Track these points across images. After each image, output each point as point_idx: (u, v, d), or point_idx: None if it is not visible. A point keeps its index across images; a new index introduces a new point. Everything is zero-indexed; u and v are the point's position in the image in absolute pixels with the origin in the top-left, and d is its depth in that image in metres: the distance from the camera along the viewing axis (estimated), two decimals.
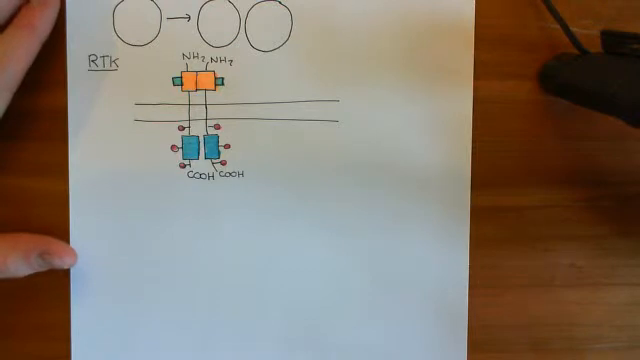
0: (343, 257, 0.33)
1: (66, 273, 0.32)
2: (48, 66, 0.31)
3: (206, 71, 0.32)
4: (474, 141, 0.33)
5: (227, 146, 0.32)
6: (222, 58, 0.32)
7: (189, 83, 0.32)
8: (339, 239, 0.33)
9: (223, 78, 0.32)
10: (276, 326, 0.33)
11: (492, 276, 0.33)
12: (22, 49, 0.29)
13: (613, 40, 0.29)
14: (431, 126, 0.32)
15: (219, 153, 0.32)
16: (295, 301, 0.33)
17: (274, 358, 0.33)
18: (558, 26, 0.31)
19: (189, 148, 0.32)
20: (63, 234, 0.32)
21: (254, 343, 0.33)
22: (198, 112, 0.32)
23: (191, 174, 0.32)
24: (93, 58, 0.31)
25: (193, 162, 0.32)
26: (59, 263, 0.31)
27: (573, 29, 0.31)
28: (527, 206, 0.34)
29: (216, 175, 0.32)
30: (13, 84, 0.29)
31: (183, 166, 0.32)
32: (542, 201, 0.34)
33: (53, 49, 0.31)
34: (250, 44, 0.32)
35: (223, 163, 0.32)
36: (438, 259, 0.33)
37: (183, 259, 0.32)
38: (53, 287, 0.32)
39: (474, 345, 0.33)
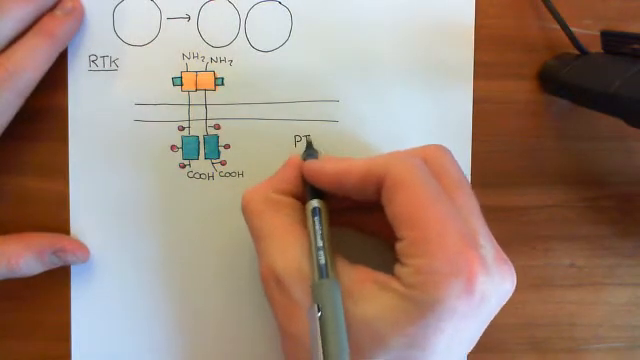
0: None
1: (66, 273, 0.32)
2: None
3: (206, 71, 0.32)
4: (474, 141, 0.33)
5: (227, 146, 0.32)
6: (222, 58, 0.32)
7: (189, 83, 0.32)
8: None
9: (223, 78, 0.32)
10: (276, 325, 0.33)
11: None
12: (40, 57, 0.29)
13: (613, 40, 0.29)
14: (431, 126, 0.32)
15: (219, 153, 0.32)
16: None
17: (274, 358, 0.33)
18: (558, 26, 0.31)
19: (189, 148, 0.32)
20: (63, 234, 0.32)
21: (255, 342, 0.33)
22: (198, 112, 0.32)
23: (191, 174, 0.32)
24: (93, 58, 0.31)
25: (193, 162, 0.32)
26: (73, 259, 0.31)
27: (573, 29, 0.31)
28: (527, 206, 0.34)
29: (216, 175, 0.32)
30: (26, 91, 0.29)
31: (183, 166, 0.32)
32: (542, 201, 0.34)
33: None
34: (250, 44, 0.32)
35: (223, 163, 0.32)
36: None
37: (183, 259, 0.32)
38: (53, 287, 0.32)
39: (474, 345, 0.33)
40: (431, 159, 0.26)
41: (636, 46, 0.27)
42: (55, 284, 0.32)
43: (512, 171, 0.33)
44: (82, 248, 0.31)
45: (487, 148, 0.33)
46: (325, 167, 0.27)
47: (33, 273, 0.30)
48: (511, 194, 0.33)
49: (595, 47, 0.31)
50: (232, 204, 0.32)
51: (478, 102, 0.32)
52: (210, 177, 0.32)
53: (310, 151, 0.30)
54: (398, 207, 0.24)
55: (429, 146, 0.27)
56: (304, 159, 0.29)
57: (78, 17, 0.30)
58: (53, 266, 0.31)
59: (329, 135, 0.32)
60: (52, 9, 0.30)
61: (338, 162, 0.27)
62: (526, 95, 0.33)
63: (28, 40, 0.29)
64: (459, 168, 0.27)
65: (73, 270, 0.32)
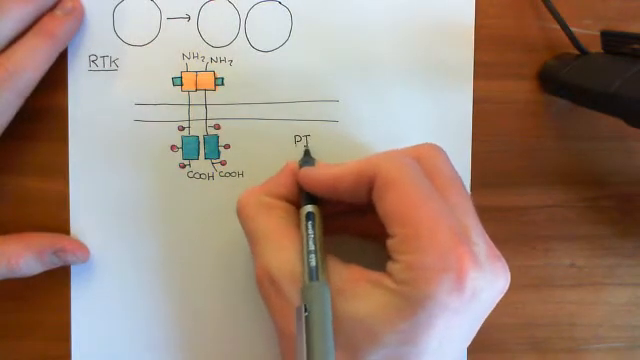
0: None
1: (66, 273, 0.32)
2: None
3: (206, 71, 0.32)
4: (474, 141, 0.33)
5: (227, 146, 0.32)
6: (222, 58, 0.32)
7: (189, 83, 0.32)
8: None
9: (223, 78, 0.32)
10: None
11: None
12: (40, 57, 0.29)
13: (613, 40, 0.29)
14: (431, 126, 0.32)
15: (219, 153, 0.32)
16: None
17: (273, 358, 0.33)
18: (558, 26, 0.31)
19: (189, 148, 0.32)
20: (63, 234, 0.32)
21: (254, 342, 0.33)
22: (198, 112, 0.32)
23: (191, 174, 0.32)
24: (93, 58, 0.31)
25: (193, 162, 0.32)
26: (73, 259, 0.31)
27: (573, 29, 0.31)
28: (527, 206, 0.34)
29: (216, 175, 0.32)
30: (26, 91, 0.29)
31: (183, 166, 0.32)
32: (542, 201, 0.34)
33: None
34: (250, 44, 0.32)
35: (223, 163, 0.32)
36: None
37: (183, 259, 0.32)
38: (53, 287, 0.32)
39: (474, 345, 0.33)
40: (424, 158, 0.26)
41: (636, 46, 0.27)
42: (55, 284, 0.32)
43: (512, 171, 0.33)
44: (82, 248, 0.31)
45: (487, 148, 0.33)
46: (319, 174, 0.27)
47: (33, 273, 0.30)
48: (511, 194, 0.33)
49: (595, 47, 0.31)
50: (232, 204, 0.32)
51: (478, 102, 0.32)
52: (210, 177, 0.32)
53: (307, 158, 0.30)
54: (389, 205, 0.24)
55: (422, 145, 0.27)
56: (301, 166, 0.29)
57: (78, 17, 0.30)
58: (53, 266, 0.31)
59: (329, 135, 0.32)
60: (52, 9, 0.30)
61: (331, 168, 0.27)
62: (526, 95, 0.33)
63: (28, 40, 0.29)
64: (452, 167, 0.27)
65: (73, 270, 0.32)
